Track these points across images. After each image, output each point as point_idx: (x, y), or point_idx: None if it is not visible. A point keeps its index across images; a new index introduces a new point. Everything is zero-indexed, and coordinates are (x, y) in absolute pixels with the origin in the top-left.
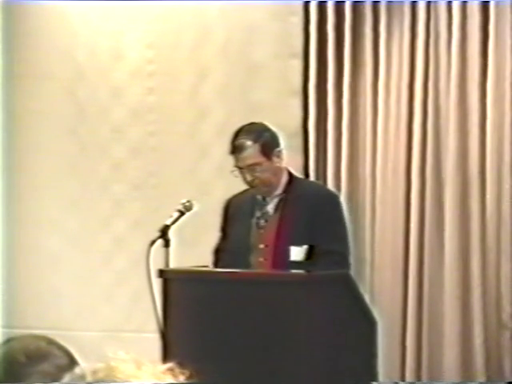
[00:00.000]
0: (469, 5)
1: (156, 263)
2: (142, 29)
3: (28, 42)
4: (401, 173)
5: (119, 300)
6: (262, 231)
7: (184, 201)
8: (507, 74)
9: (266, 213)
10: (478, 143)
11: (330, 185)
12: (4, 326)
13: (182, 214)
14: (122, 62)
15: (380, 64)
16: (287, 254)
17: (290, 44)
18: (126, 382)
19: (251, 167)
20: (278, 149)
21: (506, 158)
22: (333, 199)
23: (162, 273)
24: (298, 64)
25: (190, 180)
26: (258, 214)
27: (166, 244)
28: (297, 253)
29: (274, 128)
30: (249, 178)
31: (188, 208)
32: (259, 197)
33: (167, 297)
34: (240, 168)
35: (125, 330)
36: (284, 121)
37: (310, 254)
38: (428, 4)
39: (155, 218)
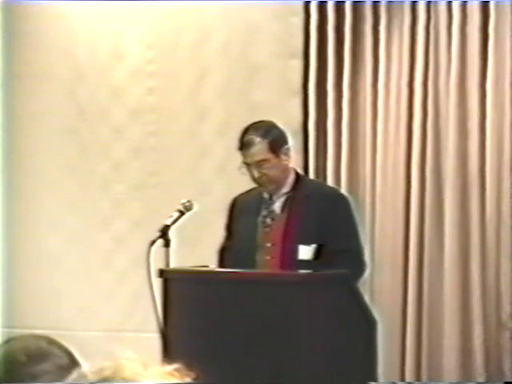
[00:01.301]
0: (469, 5)
1: (156, 263)
2: (142, 29)
3: (28, 41)
4: (401, 173)
5: (119, 300)
6: (268, 230)
7: (184, 201)
8: (507, 74)
9: (273, 211)
10: (478, 143)
11: (330, 184)
12: (4, 326)
13: (182, 213)
14: (122, 61)
15: (380, 64)
16: (295, 252)
17: (290, 44)
18: (133, 381)
19: (259, 163)
20: (286, 146)
21: (506, 157)
22: (342, 199)
23: (162, 273)
24: (298, 64)
25: (190, 180)
26: (264, 212)
27: (166, 244)
28: (305, 252)
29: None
30: (256, 174)
31: (188, 208)
32: (266, 195)
33: (167, 297)
34: (247, 164)
35: (125, 330)
36: (284, 121)
37: (318, 254)
38: (428, 4)
39: (155, 218)
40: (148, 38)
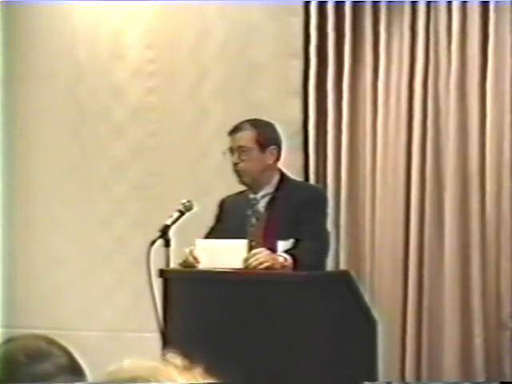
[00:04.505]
0: (469, 5)
1: (156, 263)
2: (142, 29)
3: (28, 42)
4: (401, 173)
5: (119, 300)
6: (253, 229)
7: (184, 201)
8: (507, 73)
9: (257, 211)
10: (478, 143)
11: (330, 185)
12: (4, 326)
13: (182, 213)
14: (122, 61)
15: (380, 64)
16: (275, 248)
17: (290, 44)
18: None
19: (241, 149)
20: (274, 146)
21: (506, 157)
22: (319, 195)
23: (162, 273)
24: (298, 64)
25: (190, 180)
26: (249, 212)
27: (167, 244)
28: (284, 246)
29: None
30: (235, 159)
31: (188, 208)
32: (251, 196)
33: (167, 296)
34: (232, 150)
35: (125, 330)
36: (284, 121)
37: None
38: (428, 4)
39: (155, 218)
40: (148, 37)
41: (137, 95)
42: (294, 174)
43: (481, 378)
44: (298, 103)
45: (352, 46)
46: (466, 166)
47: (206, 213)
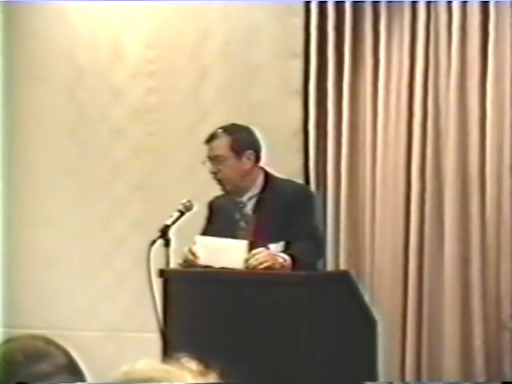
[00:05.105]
0: (469, 5)
1: (156, 263)
2: (142, 29)
3: (28, 42)
4: (401, 173)
5: (119, 300)
6: (242, 233)
7: (184, 201)
8: (507, 73)
9: (246, 214)
10: (478, 143)
11: (330, 185)
12: (4, 326)
13: (182, 213)
14: (122, 62)
15: (380, 64)
16: None
17: (291, 44)
18: None
19: (217, 158)
20: (250, 151)
21: (506, 157)
22: (306, 194)
23: (162, 273)
24: (298, 64)
25: (190, 180)
26: (237, 215)
27: (167, 244)
28: (275, 249)
29: (271, 129)
30: (213, 169)
31: (188, 208)
32: (238, 199)
33: (167, 296)
34: (210, 159)
35: (125, 330)
36: (284, 121)
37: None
38: (428, 4)
39: (155, 218)
40: (148, 37)
41: (137, 96)
42: (294, 174)
43: (481, 379)
44: (298, 103)
45: (352, 46)
46: (466, 167)
47: (205, 213)
